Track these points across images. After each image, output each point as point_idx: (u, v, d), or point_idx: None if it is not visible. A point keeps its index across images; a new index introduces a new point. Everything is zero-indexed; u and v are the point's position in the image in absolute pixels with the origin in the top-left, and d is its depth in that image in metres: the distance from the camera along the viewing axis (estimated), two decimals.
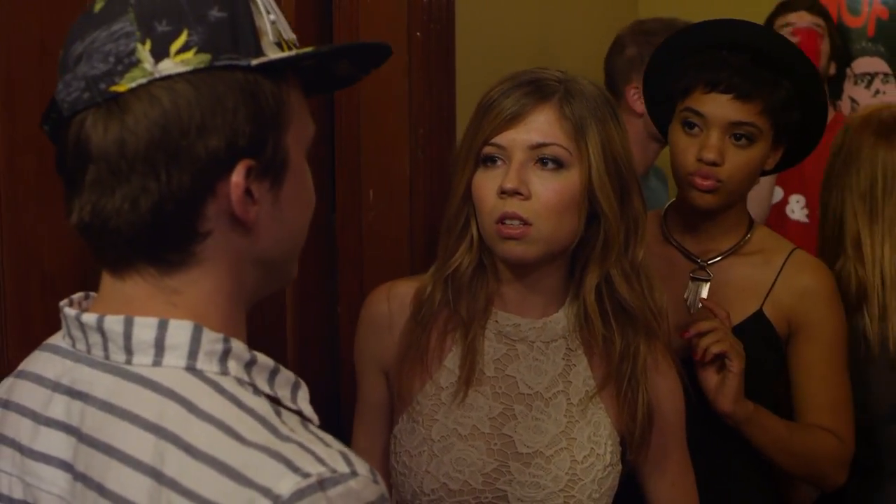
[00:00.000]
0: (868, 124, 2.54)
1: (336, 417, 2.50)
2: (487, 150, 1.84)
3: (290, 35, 1.29)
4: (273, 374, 1.23)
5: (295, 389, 1.24)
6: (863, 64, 4.02)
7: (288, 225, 1.29)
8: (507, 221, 1.81)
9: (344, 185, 2.47)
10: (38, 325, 1.85)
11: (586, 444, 1.90)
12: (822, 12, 3.72)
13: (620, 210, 1.88)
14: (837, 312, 2.34)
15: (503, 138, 1.83)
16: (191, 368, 1.17)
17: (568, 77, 1.89)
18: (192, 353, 1.18)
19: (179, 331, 1.18)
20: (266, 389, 1.21)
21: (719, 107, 2.24)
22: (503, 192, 1.81)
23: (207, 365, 1.18)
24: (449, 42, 2.49)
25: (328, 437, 1.15)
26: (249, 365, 1.21)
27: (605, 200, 1.86)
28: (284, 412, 1.18)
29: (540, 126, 1.83)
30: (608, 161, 1.86)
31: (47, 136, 1.25)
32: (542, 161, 1.83)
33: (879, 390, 2.50)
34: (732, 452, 2.32)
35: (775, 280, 2.32)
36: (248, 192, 1.19)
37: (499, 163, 1.84)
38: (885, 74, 3.94)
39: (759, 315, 2.31)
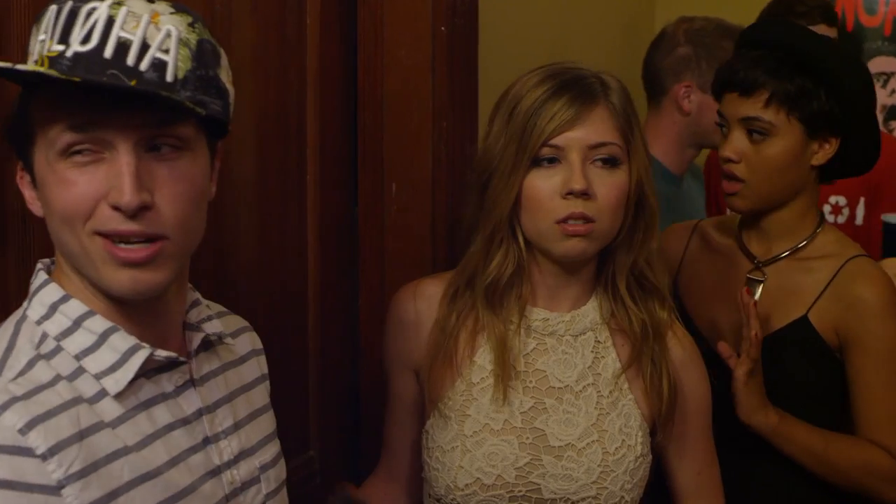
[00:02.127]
0: None
1: (356, 407, 2.51)
2: (545, 151, 1.85)
3: (50, 49, 1.37)
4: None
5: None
6: (879, 63, 4.02)
7: (49, 221, 1.43)
8: (572, 221, 1.84)
9: (366, 178, 2.48)
10: None
11: (617, 436, 1.92)
12: (835, 22, 3.67)
13: None
14: (892, 325, 2.25)
15: (562, 139, 1.85)
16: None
17: (599, 72, 1.91)
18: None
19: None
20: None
21: (731, 105, 2.27)
22: (570, 194, 1.83)
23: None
24: (472, 36, 2.49)
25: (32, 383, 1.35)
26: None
27: (651, 193, 1.93)
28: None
29: (596, 126, 1.86)
30: (647, 154, 1.93)
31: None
32: (601, 160, 1.86)
33: None
34: (759, 458, 2.31)
35: (826, 287, 2.27)
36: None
37: (554, 163, 1.85)
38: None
39: (802, 322, 2.28)
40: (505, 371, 1.89)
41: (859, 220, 3.56)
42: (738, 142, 2.25)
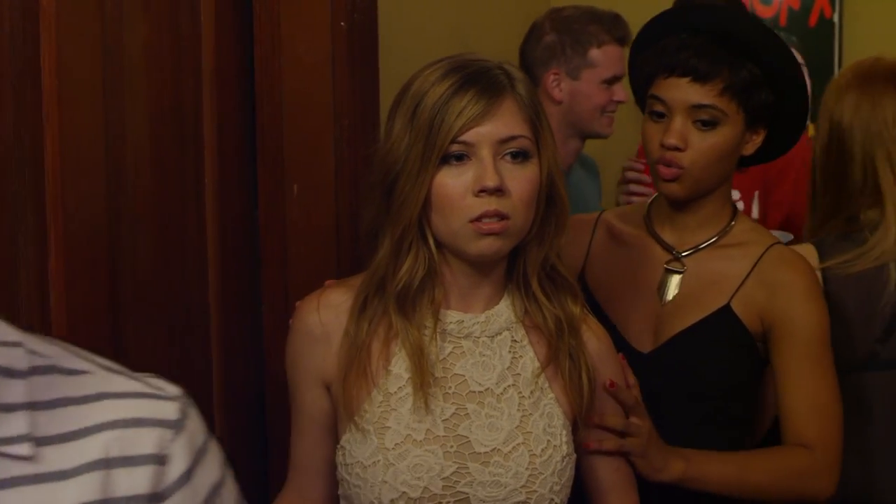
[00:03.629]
0: (876, 76, 2.58)
1: (262, 420, 2.46)
2: (454, 148, 1.78)
3: None
4: None
5: None
6: None
7: None
8: (486, 219, 1.77)
9: (266, 180, 2.41)
10: None
11: (542, 437, 1.87)
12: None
13: None
14: (816, 309, 2.25)
15: (471, 135, 1.78)
16: None
17: (502, 63, 1.86)
18: None
19: None
20: None
21: (679, 90, 2.21)
22: (483, 191, 1.77)
23: None
24: (372, 32, 2.44)
25: None
26: None
27: (562, 185, 1.88)
28: None
29: (506, 119, 1.79)
30: (556, 146, 1.88)
31: None
32: (511, 154, 1.80)
33: None
34: None
35: (748, 274, 2.25)
36: None
37: (464, 160, 1.79)
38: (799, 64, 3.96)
39: (725, 310, 2.25)
40: (424, 378, 1.83)
41: (755, 214, 3.58)
42: (683, 128, 2.21)
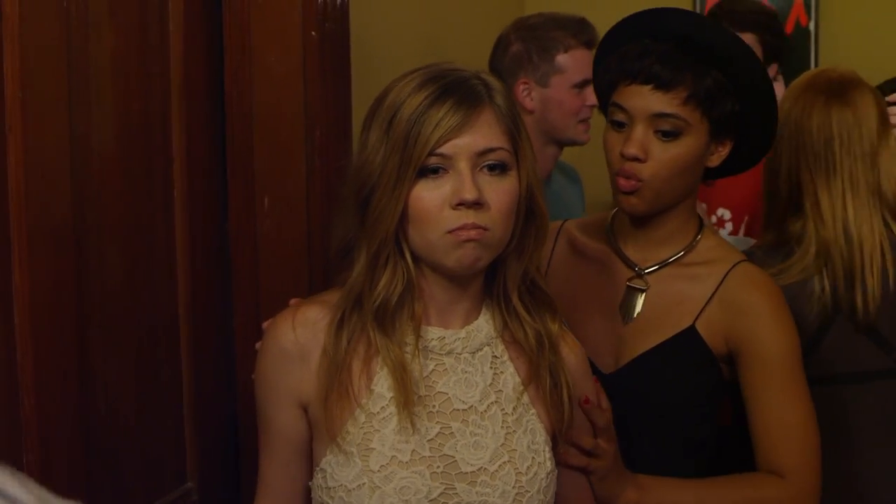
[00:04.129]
0: (814, 87, 2.54)
1: (234, 434, 2.43)
2: (431, 160, 1.73)
3: None
4: None
5: None
6: None
7: None
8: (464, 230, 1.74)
9: (237, 192, 2.39)
10: None
11: (527, 454, 1.83)
12: (753, 26, 3.49)
13: None
14: (783, 330, 2.16)
15: (449, 147, 1.73)
16: None
17: (479, 73, 1.82)
18: None
19: None
20: None
21: (640, 98, 2.12)
22: (461, 204, 1.72)
23: None
24: (344, 41, 2.43)
25: None
26: None
27: (541, 197, 1.83)
28: None
29: (484, 131, 1.75)
30: (534, 156, 1.83)
31: None
32: (489, 167, 1.75)
33: (836, 356, 2.49)
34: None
35: (712, 294, 2.17)
36: None
37: (441, 172, 1.74)
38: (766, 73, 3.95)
39: (689, 332, 2.18)
40: (408, 398, 1.78)
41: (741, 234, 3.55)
42: (644, 138, 2.12)
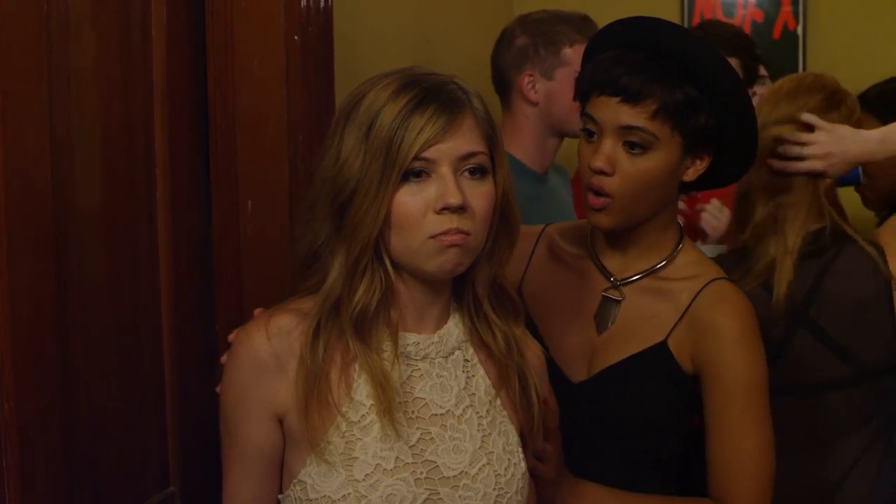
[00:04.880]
0: (783, 86, 2.61)
1: (217, 438, 2.41)
2: (415, 164, 1.73)
3: None
4: None
5: None
6: (738, 66, 4.03)
7: None
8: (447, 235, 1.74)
9: (220, 196, 2.38)
10: None
11: (503, 456, 1.84)
12: (734, 50, 3.49)
13: None
14: (747, 354, 2.12)
15: (432, 152, 1.73)
16: None
17: (454, 77, 1.82)
18: None
19: None
20: None
21: (608, 110, 2.09)
22: (446, 209, 1.72)
23: None
24: (328, 45, 2.42)
25: None
26: None
27: (515, 201, 1.84)
28: None
29: (465, 136, 1.75)
30: (507, 162, 1.83)
31: None
32: (470, 171, 1.76)
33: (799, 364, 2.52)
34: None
35: (684, 312, 2.14)
36: None
37: (423, 177, 1.74)
38: (761, 77, 3.95)
39: (661, 347, 2.15)
40: (389, 404, 1.77)
41: None
42: (612, 151, 2.09)
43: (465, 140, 1.75)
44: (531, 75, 3.12)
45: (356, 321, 1.77)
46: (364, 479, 1.74)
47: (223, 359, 1.92)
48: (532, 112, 3.12)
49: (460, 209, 1.72)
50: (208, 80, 2.35)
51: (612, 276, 2.22)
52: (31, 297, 1.87)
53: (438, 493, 1.78)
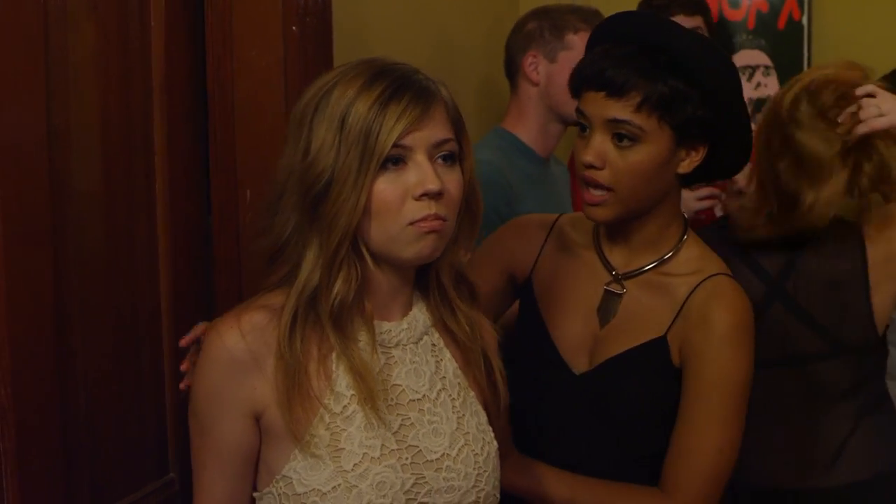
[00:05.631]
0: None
1: None
2: (393, 152, 1.74)
3: None
4: None
5: None
6: (744, 57, 4.03)
7: None
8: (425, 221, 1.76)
9: (219, 185, 2.39)
10: None
11: (478, 435, 1.87)
12: (700, 10, 3.60)
13: None
14: (734, 354, 2.11)
15: (410, 139, 1.74)
16: None
17: (416, 69, 1.82)
18: None
19: None
20: None
21: (596, 105, 2.11)
22: (425, 195, 1.74)
23: None
24: (326, 36, 2.43)
25: None
26: None
27: (479, 189, 1.86)
28: None
29: (438, 123, 1.77)
30: (472, 151, 1.86)
31: None
32: (443, 158, 1.78)
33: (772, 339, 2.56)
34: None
35: (682, 306, 2.15)
36: None
37: (401, 165, 1.75)
38: (766, 67, 3.95)
39: (660, 342, 2.15)
40: (371, 393, 1.78)
41: None
42: (601, 145, 2.10)
43: (438, 128, 1.77)
44: (535, 56, 3.18)
45: (334, 312, 1.77)
46: (353, 469, 1.75)
47: (183, 366, 1.93)
48: (534, 92, 3.19)
49: (438, 195, 1.74)
50: (207, 71, 2.37)
51: (614, 269, 2.23)
52: (29, 286, 1.89)
53: (424, 477, 1.80)
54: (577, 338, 2.24)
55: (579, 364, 2.22)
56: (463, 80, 3.37)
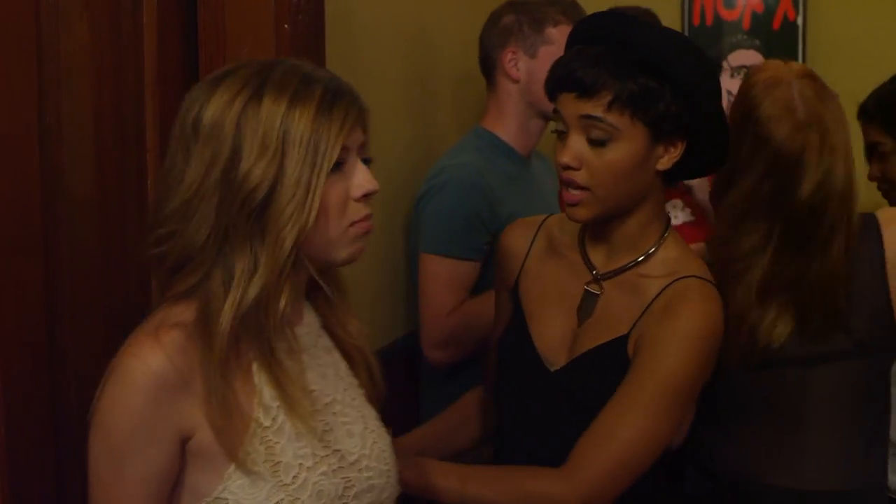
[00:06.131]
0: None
1: None
2: (341, 155, 1.73)
3: None
4: None
5: None
6: (739, 57, 4.03)
7: None
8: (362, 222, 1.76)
9: None
10: None
11: (378, 429, 1.89)
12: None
13: None
14: (684, 355, 2.08)
15: (350, 141, 1.74)
16: None
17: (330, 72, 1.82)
18: None
19: None
20: None
21: (569, 106, 2.10)
22: (366, 195, 1.75)
23: None
24: (319, 34, 2.43)
25: None
26: None
27: None
28: None
29: (363, 126, 1.78)
30: None
31: None
32: (364, 160, 1.78)
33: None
34: None
35: (649, 305, 2.14)
36: None
37: (341, 167, 1.74)
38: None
39: (621, 339, 2.14)
40: (296, 402, 1.74)
41: None
42: (577, 146, 2.10)
43: (362, 130, 1.78)
44: (514, 52, 3.10)
45: (276, 325, 1.73)
46: (292, 482, 1.72)
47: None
48: (514, 90, 3.11)
49: (373, 195, 1.76)
50: (199, 69, 2.35)
51: (594, 269, 2.23)
52: (19, 286, 1.89)
53: (350, 480, 1.79)
54: (557, 336, 2.24)
55: (558, 362, 2.22)
56: (475, 78, 3.33)
